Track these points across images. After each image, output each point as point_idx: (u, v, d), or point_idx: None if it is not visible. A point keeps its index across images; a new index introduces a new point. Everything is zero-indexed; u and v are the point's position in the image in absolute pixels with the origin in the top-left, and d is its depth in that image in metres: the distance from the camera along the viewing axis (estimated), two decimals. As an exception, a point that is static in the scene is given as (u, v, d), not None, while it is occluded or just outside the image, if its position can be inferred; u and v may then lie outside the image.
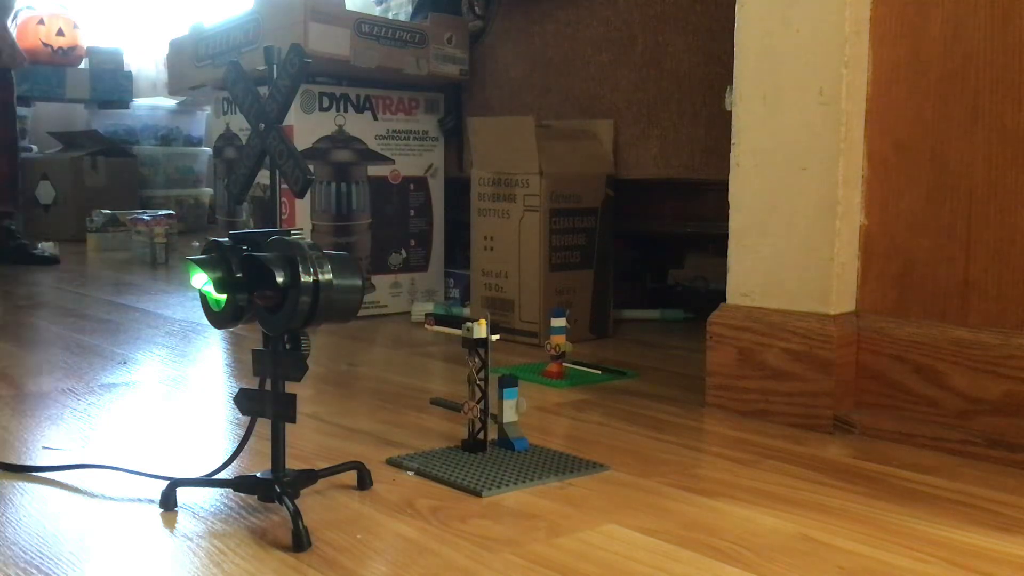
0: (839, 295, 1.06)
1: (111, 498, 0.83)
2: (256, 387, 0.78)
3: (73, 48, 4.03)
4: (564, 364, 1.29)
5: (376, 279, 1.86)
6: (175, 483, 0.81)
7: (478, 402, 0.94)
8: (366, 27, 1.76)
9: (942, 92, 1.00)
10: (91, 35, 4.16)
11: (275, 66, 0.82)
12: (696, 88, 1.54)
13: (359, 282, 0.75)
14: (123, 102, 4.07)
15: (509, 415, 0.96)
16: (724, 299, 1.16)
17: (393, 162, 1.88)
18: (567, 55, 1.75)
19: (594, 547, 0.73)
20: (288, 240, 0.74)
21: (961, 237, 0.99)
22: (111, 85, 4.02)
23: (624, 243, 1.78)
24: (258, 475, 0.79)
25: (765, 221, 1.11)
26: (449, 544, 0.73)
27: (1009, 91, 0.95)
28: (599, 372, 1.33)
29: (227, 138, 1.99)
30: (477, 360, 0.94)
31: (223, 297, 0.75)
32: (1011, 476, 0.90)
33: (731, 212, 1.14)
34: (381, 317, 1.84)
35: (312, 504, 0.81)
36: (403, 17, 2.00)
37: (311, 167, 1.22)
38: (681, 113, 1.57)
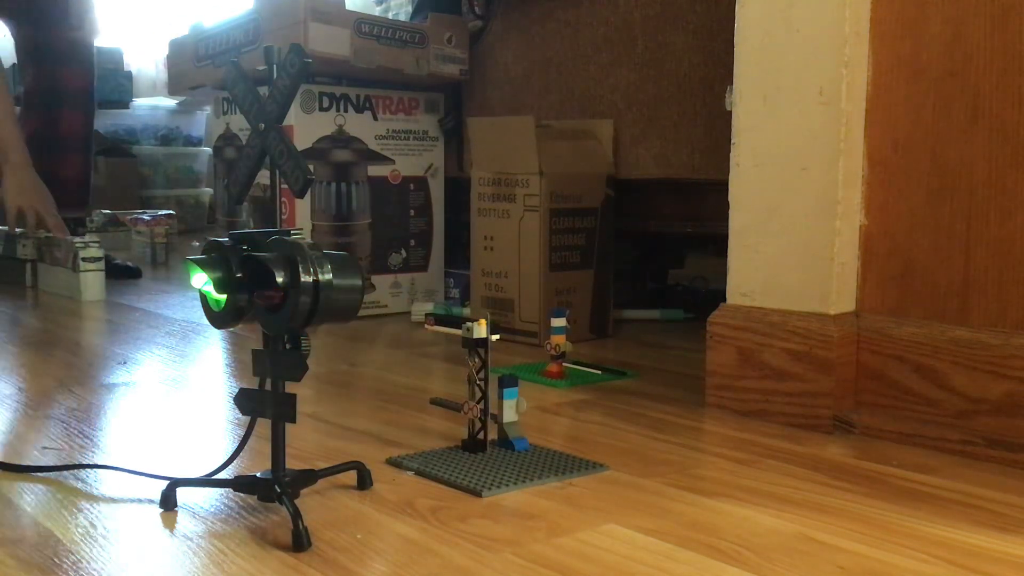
0: (839, 295, 1.06)
1: (111, 498, 0.83)
2: (256, 387, 0.78)
3: (73, 48, 4.02)
4: (564, 364, 1.29)
5: (376, 279, 1.86)
6: (175, 483, 0.81)
7: (478, 402, 0.94)
8: (366, 27, 1.76)
9: (942, 92, 1.00)
10: (91, 35, 4.16)
11: (275, 66, 0.82)
12: (696, 88, 1.54)
13: (359, 282, 0.75)
14: (123, 102, 4.07)
15: (509, 415, 0.96)
16: (724, 299, 1.16)
17: (393, 162, 1.88)
18: (567, 55, 1.75)
19: (594, 547, 0.73)
20: (288, 240, 0.74)
21: (961, 237, 0.99)
22: (111, 85, 4.02)
23: (624, 243, 1.79)
24: (258, 475, 0.79)
25: (765, 221, 1.11)
26: (449, 544, 0.73)
27: (1009, 91, 0.95)
28: (599, 372, 1.33)
29: (227, 138, 1.99)
30: (477, 360, 0.94)
31: (223, 297, 0.75)
32: (1011, 476, 0.90)
33: (731, 212, 1.14)
34: (381, 317, 1.84)
35: (312, 504, 0.81)
36: (403, 17, 2.00)
37: (311, 167, 1.22)
38: (681, 113, 1.57)
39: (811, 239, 1.07)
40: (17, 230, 2.23)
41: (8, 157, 2.15)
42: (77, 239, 2.09)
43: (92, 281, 2.07)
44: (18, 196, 2.16)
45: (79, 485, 0.86)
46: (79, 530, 0.76)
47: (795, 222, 1.08)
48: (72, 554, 0.71)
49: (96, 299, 2.06)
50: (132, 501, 0.82)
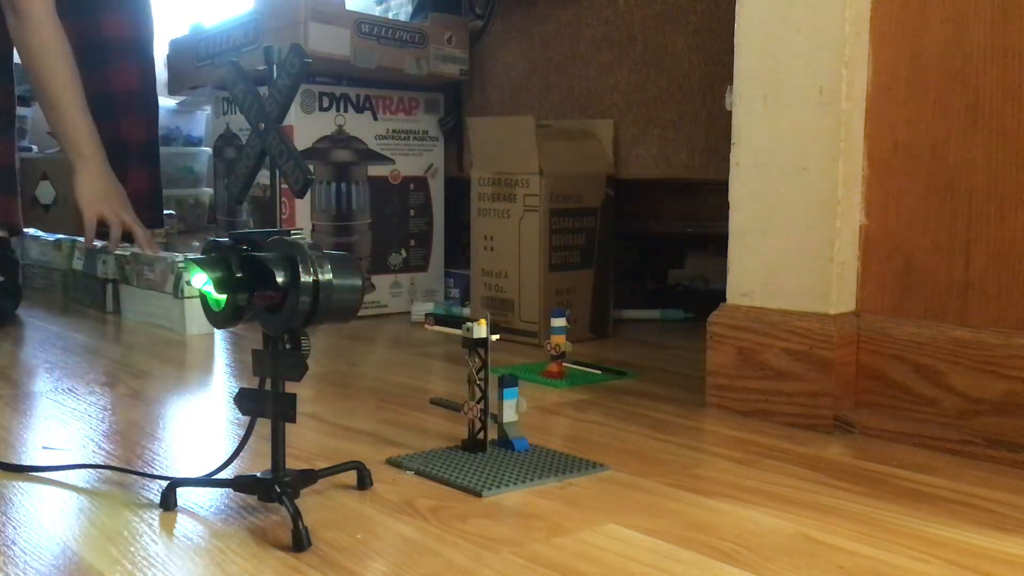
0: (839, 295, 1.06)
1: (111, 498, 0.83)
2: (256, 387, 0.78)
3: (73, 48, 4.02)
4: (564, 364, 1.29)
5: (376, 279, 1.86)
6: (175, 483, 0.81)
7: (478, 402, 0.94)
8: (366, 27, 1.76)
9: (942, 92, 1.00)
10: (91, 35, 4.15)
11: (275, 66, 0.82)
12: (696, 88, 1.54)
13: (359, 282, 0.75)
14: (123, 102, 4.06)
15: (509, 415, 0.96)
16: (724, 299, 1.16)
17: (393, 162, 1.88)
18: (567, 55, 1.75)
19: (594, 547, 0.73)
20: (288, 240, 0.74)
21: (961, 237, 0.99)
22: (111, 85, 4.02)
23: (624, 243, 1.78)
24: (258, 475, 0.79)
25: (765, 221, 1.11)
26: (449, 544, 0.73)
27: (1009, 91, 0.95)
28: (599, 372, 1.33)
29: (227, 138, 1.99)
30: (477, 360, 0.94)
31: (223, 297, 0.75)
32: (1011, 476, 0.90)
33: (731, 212, 1.14)
34: (381, 317, 1.84)
35: (312, 504, 0.81)
36: (403, 17, 2.00)
37: (311, 167, 1.22)
38: (681, 113, 1.57)
39: (811, 239, 1.07)
40: (97, 243, 1.85)
41: (80, 151, 1.76)
42: (179, 256, 1.70)
43: (200, 310, 1.65)
44: (96, 199, 1.77)
45: (79, 485, 0.86)
46: (79, 530, 0.76)
47: (795, 222, 1.08)
48: (72, 554, 0.71)
49: (203, 332, 1.61)
50: (132, 501, 0.82)
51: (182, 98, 3.93)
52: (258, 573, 0.68)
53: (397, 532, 0.76)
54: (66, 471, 0.89)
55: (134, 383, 1.28)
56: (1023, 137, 0.95)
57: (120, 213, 1.80)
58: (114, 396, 1.21)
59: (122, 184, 1.87)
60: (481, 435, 0.95)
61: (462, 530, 0.76)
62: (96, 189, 1.78)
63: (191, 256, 0.76)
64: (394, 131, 1.88)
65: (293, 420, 0.76)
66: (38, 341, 1.59)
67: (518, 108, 1.82)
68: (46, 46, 1.74)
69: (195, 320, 1.59)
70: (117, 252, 1.82)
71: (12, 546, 0.72)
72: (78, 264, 2.00)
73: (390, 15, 2.07)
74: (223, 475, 0.82)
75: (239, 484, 0.80)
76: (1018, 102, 0.95)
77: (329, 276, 0.73)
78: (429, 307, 1.81)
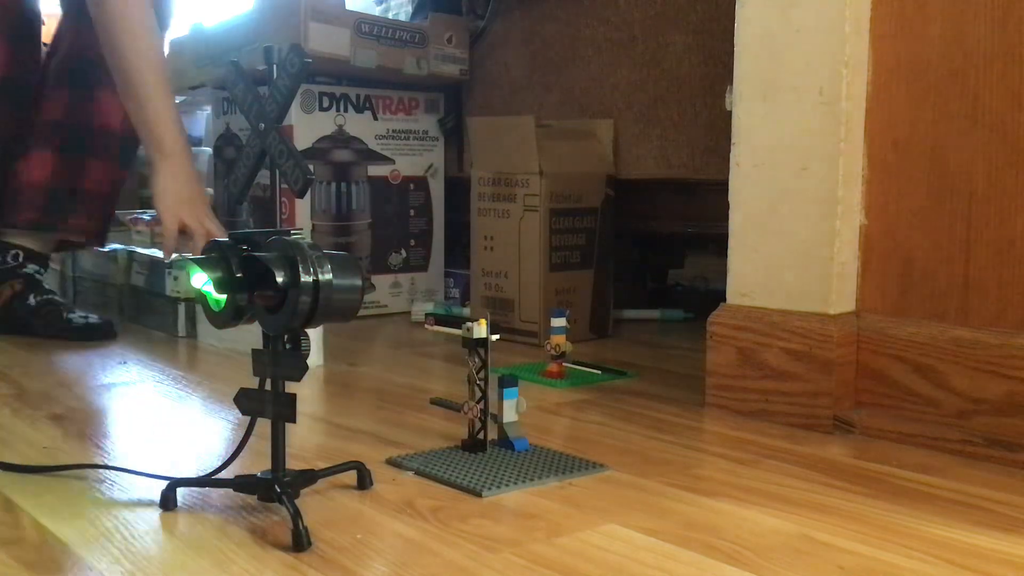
0: (839, 295, 1.06)
1: (111, 498, 0.83)
2: (256, 387, 0.78)
3: (73, 48, 4.01)
4: (564, 364, 1.29)
5: (376, 279, 1.86)
6: (175, 483, 0.81)
7: (478, 402, 0.94)
8: (366, 27, 1.76)
9: (942, 92, 1.00)
10: (91, 35, 4.15)
11: (275, 66, 0.82)
12: (696, 88, 1.54)
13: (359, 282, 0.75)
14: (123, 102, 4.05)
15: (509, 415, 0.96)
16: (724, 299, 1.16)
17: (393, 162, 1.88)
18: (567, 55, 1.74)
19: (594, 547, 0.73)
20: (288, 240, 0.74)
21: (961, 237, 0.99)
22: (111, 85, 4.01)
23: (624, 243, 1.78)
24: (258, 475, 0.79)
25: (765, 221, 1.11)
26: (449, 544, 0.73)
27: (1009, 91, 0.95)
28: (599, 372, 1.33)
29: (227, 138, 1.99)
30: (477, 360, 0.94)
31: (223, 297, 0.75)
32: (1011, 476, 0.90)
33: (731, 212, 1.14)
34: (381, 317, 1.84)
35: (312, 504, 0.81)
36: (403, 17, 2.00)
37: (311, 167, 1.22)
38: (681, 113, 1.57)
39: (811, 239, 1.07)
40: (174, 256, 1.56)
41: (162, 147, 1.46)
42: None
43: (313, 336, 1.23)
44: (179, 204, 1.48)
45: (79, 485, 0.86)
46: (79, 530, 0.76)
47: (795, 222, 1.08)
48: (72, 555, 0.71)
49: (315, 364, 1.36)
50: (132, 501, 0.82)
51: (182, 98, 3.94)
52: (258, 573, 0.68)
53: (397, 532, 0.76)
54: (66, 471, 0.89)
55: (139, 386, 1.28)
56: (1023, 137, 0.95)
57: (205, 221, 1.50)
58: (115, 396, 1.21)
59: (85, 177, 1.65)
60: (481, 435, 0.95)
61: (462, 530, 0.76)
62: (179, 193, 1.49)
63: (191, 256, 0.76)
64: (394, 131, 1.88)
65: (293, 420, 0.76)
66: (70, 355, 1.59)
67: (518, 108, 1.82)
68: (125, 19, 1.45)
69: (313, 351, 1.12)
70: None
71: (12, 546, 0.72)
72: (138, 279, 1.75)
73: (390, 15, 2.07)
74: (223, 475, 0.82)
75: (239, 484, 0.80)
76: (1018, 102, 0.95)
77: (329, 276, 0.73)
78: (429, 307, 1.81)
